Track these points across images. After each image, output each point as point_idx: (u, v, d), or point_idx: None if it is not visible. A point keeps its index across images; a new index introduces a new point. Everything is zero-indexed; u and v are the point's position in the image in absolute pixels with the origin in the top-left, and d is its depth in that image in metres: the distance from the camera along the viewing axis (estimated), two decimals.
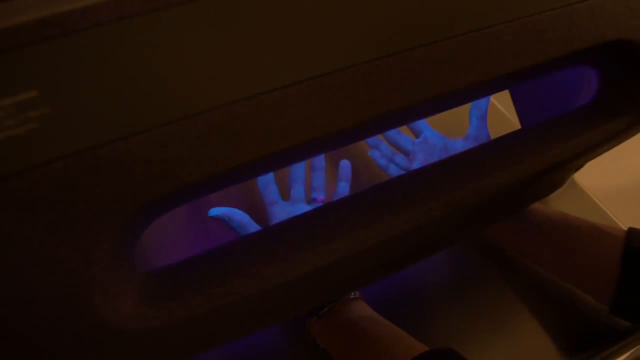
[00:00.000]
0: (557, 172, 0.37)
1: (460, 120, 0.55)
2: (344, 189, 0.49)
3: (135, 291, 0.24)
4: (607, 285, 0.42)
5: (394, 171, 0.55)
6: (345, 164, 0.51)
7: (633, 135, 0.37)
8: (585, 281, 0.46)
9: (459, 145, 0.53)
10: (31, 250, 0.20)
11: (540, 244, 0.48)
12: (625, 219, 0.53)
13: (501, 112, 0.68)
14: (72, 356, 0.23)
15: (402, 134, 0.55)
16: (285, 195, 0.49)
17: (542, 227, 0.47)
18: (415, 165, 0.54)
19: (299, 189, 0.48)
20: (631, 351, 0.45)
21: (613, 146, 0.38)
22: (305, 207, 0.47)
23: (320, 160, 0.49)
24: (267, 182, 0.48)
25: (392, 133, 0.55)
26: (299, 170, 0.49)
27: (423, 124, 0.54)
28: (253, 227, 0.43)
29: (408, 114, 0.28)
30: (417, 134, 0.55)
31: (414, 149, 0.54)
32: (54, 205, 0.19)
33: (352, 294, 0.43)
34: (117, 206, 0.21)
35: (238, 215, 0.43)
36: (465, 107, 0.48)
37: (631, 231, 0.43)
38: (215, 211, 0.43)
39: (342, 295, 0.42)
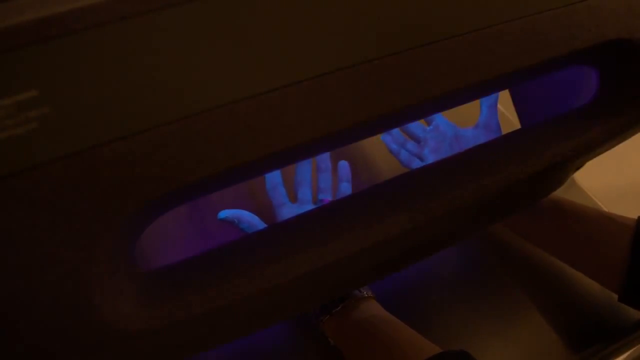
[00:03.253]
0: (557, 172, 0.37)
1: (471, 108, 0.55)
2: (346, 189, 0.49)
3: (135, 291, 0.24)
4: (616, 272, 0.42)
5: (405, 156, 0.56)
6: (343, 165, 0.51)
7: (633, 135, 0.37)
8: (594, 269, 0.46)
9: (470, 133, 0.53)
10: (31, 250, 0.20)
11: (550, 231, 0.48)
12: None
13: (501, 112, 0.68)
14: (72, 356, 0.23)
15: None
16: (292, 197, 0.49)
17: (552, 214, 0.47)
18: (426, 152, 0.55)
19: (306, 191, 0.48)
20: (633, 349, 0.45)
21: (613, 146, 0.38)
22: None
23: (326, 161, 0.50)
24: (275, 185, 0.48)
25: None
26: (305, 172, 0.49)
27: None
28: (262, 227, 0.43)
29: (408, 114, 0.28)
30: (428, 122, 0.56)
31: (426, 136, 0.55)
32: (54, 205, 0.19)
33: (365, 292, 0.43)
34: (117, 206, 0.20)
35: (247, 217, 0.43)
36: None
37: None
38: (224, 214, 0.43)
39: (343, 294, 0.42)
